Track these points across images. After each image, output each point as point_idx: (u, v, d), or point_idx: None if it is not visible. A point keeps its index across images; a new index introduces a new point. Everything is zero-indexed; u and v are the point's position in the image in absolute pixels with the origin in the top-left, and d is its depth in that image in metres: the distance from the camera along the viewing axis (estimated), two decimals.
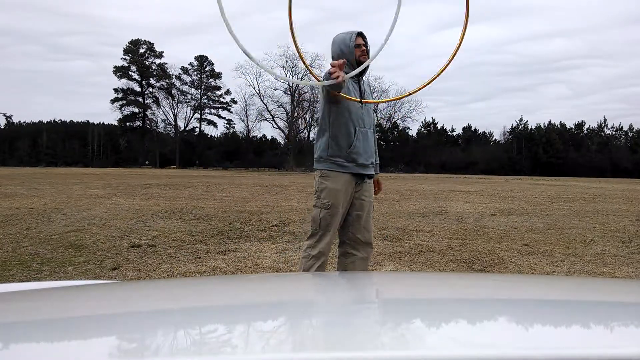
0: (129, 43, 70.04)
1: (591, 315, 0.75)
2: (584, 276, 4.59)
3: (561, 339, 0.64)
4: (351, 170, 2.96)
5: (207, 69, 71.75)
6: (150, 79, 70.44)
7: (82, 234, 6.39)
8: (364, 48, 2.99)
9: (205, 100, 72.32)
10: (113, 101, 70.71)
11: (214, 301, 0.89)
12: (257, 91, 58.66)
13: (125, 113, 71.09)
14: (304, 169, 47.37)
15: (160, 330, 0.68)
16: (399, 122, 64.43)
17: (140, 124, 71.94)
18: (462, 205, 11.65)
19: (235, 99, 69.56)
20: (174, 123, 70.98)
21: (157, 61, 70.88)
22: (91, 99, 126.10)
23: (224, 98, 72.32)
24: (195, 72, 71.67)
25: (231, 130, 73.27)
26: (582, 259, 5.35)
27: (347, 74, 2.77)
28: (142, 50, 70.30)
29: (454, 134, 71.01)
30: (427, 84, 2.97)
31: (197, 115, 72.02)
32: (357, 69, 2.86)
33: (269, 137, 72.29)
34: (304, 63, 3.39)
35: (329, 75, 2.67)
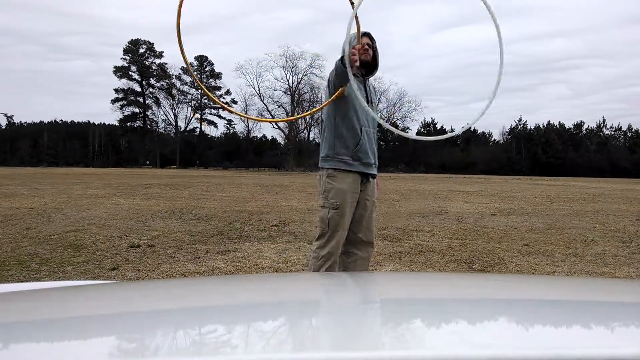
0: (128, 43, 70.05)
1: (591, 315, 0.75)
2: (584, 276, 4.59)
3: (561, 339, 0.63)
4: (357, 169, 2.97)
5: (207, 69, 71.80)
6: (151, 79, 70.47)
7: (81, 234, 6.39)
8: (367, 47, 2.98)
9: (206, 101, 72.32)
10: (113, 101, 70.76)
11: (214, 301, 0.89)
12: (257, 91, 58.62)
13: (126, 113, 71.13)
14: (304, 169, 47.39)
15: (160, 330, 0.67)
16: (398, 122, 64.37)
17: (141, 124, 71.98)
18: (462, 205, 11.65)
19: (236, 99, 69.56)
20: (174, 123, 71.01)
21: (157, 61, 70.93)
22: (92, 99, 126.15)
23: (224, 98, 72.27)
24: (196, 72, 71.68)
25: (231, 130, 73.33)
26: (583, 259, 5.34)
27: (356, 76, 2.81)
28: (142, 50, 70.33)
29: (454, 134, 70.99)
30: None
31: (197, 115, 72.02)
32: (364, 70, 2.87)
33: (269, 137, 72.36)
34: (189, 69, 3.35)
35: (337, 65, 2.68)
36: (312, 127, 55.65)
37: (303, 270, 4.66)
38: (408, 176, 39.45)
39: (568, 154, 61.77)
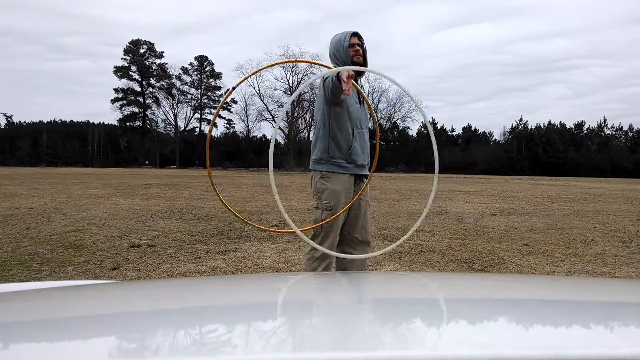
0: (129, 43, 70.08)
1: (591, 315, 0.75)
2: (584, 276, 4.59)
3: (561, 339, 0.64)
4: (351, 171, 2.97)
5: (207, 69, 71.82)
6: (151, 79, 70.50)
7: (81, 234, 6.39)
8: (358, 48, 2.96)
9: (206, 100, 72.36)
10: (113, 101, 70.78)
11: (214, 301, 0.89)
12: (257, 91, 58.74)
13: (126, 113, 71.15)
14: (304, 169, 47.36)
15: (160, 330, 0.68)
16: (399, 122, 64.41)
17: (141, 124, 71.98)
18: (463, 205, 11.64)
19: (236, 99, 69.56)
20: (174, 123, 71.03)
21: (158, 61, 70.96)
22: (91, 99, 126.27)
23: (224, 98, 72.26)
24: (196, 72, 71.71)
25: (231, 130, 73.32)
26: (583, 259, 5.34)
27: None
28: (142, 51, 70.36)
29: (454, 134, 71.02)
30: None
31: (197, 115, 72.08)
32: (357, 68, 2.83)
33: (269, 137, 72.31)
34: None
35: (334, 81, 2.62)
36: (312, 127, 55.67)
37: (303, 270, 4.66)
38: (408, 176, 39.44)
39: (569, 153, 61.77)
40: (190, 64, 71.75)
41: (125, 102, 70.72)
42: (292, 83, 53.94)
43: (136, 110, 71.44)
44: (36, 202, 10.34)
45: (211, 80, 72.38)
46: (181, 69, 70.44)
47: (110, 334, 0.66)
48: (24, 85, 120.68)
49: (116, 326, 0.70)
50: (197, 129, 73.46)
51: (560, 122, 67.97)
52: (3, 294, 1.05)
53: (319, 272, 2.85)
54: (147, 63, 70.29)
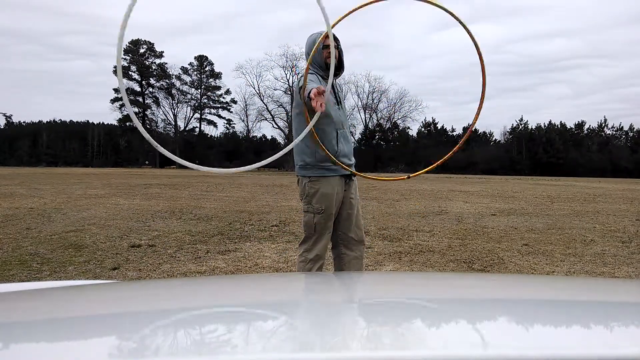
0: (129, 43, 70.06)
1: (591, 315, 0.75)
2: (583, 276, 4.60)
3: (561, 339, 0.64)
4: (339, 173, 2.95)
5: (207, 68, 71.83)
6: (150, 79, 70.52)
7: (82, 234, 6.39)
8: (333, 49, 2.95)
9: (205, 100, 72.38)
10: (113, 101, 70.79)
11: (214, 301, 0.89)
12: (257, 91, 58.59)
13: (125, 113, 71.11)
14: None
15: (160, 330, 0.68)
16: (399, 122, 64.41)
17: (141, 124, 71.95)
18: (462, 205, 11.64)
19: (235, 99, 69.62)
20: (173, 123, 71.05)
21: (157, 61, 70.98)
22: (91, 99, 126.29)
23: (224, 98, 72.37)
24: (195, 72, 71.74)
25: (231, 130, 73.34)
26: (582, 259, 5.34)
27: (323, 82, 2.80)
28: (142, 50, 70.38)
29: (454, 134, 71.03)
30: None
31: (197, 115, 72.10)
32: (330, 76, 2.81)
33: (269, 137, 72.30)
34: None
35: (307, 100, 2.58)
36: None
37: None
38: None
39: (569, 153, 61.74)
40: (190, 63, 71.78)
41: None
42: (292, 83, 53.86)
43: (136, 110, 71.44)
44: (36, 202, 10.34)
45: (211, 80, 72.39)
46: (181, 68, 70.49)
47: (110, 334, 0.66)
48: (24, 85, 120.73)
49: (116, 326, 0.70)
50: (197, 129, 73.49)
51: (561, 122, 67.96)
52: (3, 294, 1.05)
53: (316, 272, 2.85)
54: (147, 63, 70.32)
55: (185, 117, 72.09)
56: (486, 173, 54.08)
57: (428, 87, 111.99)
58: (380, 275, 2.17)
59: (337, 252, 3.10)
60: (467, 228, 7.55)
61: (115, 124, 73.25)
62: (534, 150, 63.28)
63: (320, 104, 2.43)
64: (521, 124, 68.37)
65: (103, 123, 79.52)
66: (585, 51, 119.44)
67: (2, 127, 79.01)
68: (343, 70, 3.07)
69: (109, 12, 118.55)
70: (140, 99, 70.82)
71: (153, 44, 70.98)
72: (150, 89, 71.00)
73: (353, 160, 3.07)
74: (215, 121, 73.77)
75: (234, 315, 0.76)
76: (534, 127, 67.63)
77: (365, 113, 62.92)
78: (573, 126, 67.90)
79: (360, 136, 62.27)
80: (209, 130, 74.75)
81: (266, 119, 58.93)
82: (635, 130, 65.56)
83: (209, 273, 4.51)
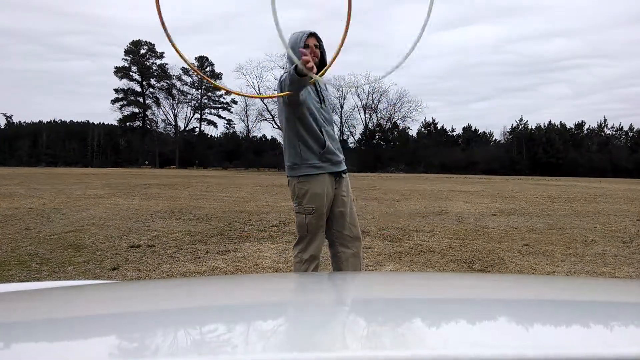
0: (130, 44, 70.20)
1: (591, 315, 0.75)
2: (584, 276, 4.59)
3: (561, 339, 0.64)
4: (328, 170, 2.94)
5: (207, 69, 71.83)
6: (151, 79, 70.56)
7: (81, 234, 6.39)
8: (315, 50, 2.86)
9: (206, 101, 72.41)
10: (113, 101, 70.88)
11: (214, 301, 0.89)
12: (257, 92, 58.59)
13: (126, 113, 71.23)
14: None
15: (160, 330, 0.68)
16: (399, 122, 64.44)
17: (140, 124, 72.03)
18: (463, 205, 11.64)
19: (236, 99, 69.66)
20: (174, 123, 71.07)
21: (158, 62, 71.01)
22: (91, 99, 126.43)
23: (224, 98, 72.42)
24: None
25: (231, 131, 73.37)
26: (583, 259, 5.34)
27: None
28: (143, 51, 70.42)
29: (454, 134, 71.04)
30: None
31: (197, 115, 72.12)
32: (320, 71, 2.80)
33: (269, 137, 72.35)
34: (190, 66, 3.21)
35: (292, 72, 2.58)
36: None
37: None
38: (408, 176, 39.45)
39: (569, 153, 61.76)
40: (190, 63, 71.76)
41: (125, 102, 70.80)
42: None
43: (136, 110, 71.51)
44: (36, 202, 10.34)
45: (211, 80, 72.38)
46: (181, 69, 70.51)
47: (110, 334, 0.66)
48: (24, 85, 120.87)
49: (116, 326, 0.70)
50: (197, 129, 73.53)
51: (561, 122, 67.96)
52: (3, 294, 1.05)
53: (314, 273, 2.85)
54: (148, 63, 70.36)
55: (186, 118, 72.17)
56: (486, 173, 54.05)
57: (428, 87, 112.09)
58: (380, 275, 2.17)
59: (333, 251, 3.10)
60: (468, 228, 7.55)
61: (115, 124, 73.29)
62: (533, 150, 63.29)
63: (311, 62, 2.46)
64: (521, 124, 68.38)
65: (103, 123, 79.64)
66: (585, 51, 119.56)
67: (2, 127, 79.05)
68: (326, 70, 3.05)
69: (109, 12, 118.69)
70: (141, 100, 70.83)
71: (154, 44, 71.04)
72: (151, 90, 71.04)
73: (342, 157, 3.05)
74: (215, 121, 73.94)
75: (234, 315, 0.76)
76: (533, 127, 67.64)
77: (365, 113, 62.95)
78: (573, 126, 67.91)
79: (360, 136, 62.32)
80: (209, 130, 74.92)
81: (266, 119, 58.96)
82: (635, 130, 65.57)
83: (209, 273, 4.51)
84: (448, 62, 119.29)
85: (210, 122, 73.98)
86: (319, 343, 0.60)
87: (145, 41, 70.64)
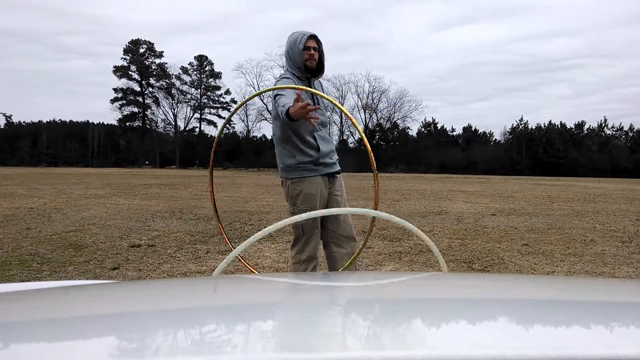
0: (129, 43, 70.18)
1: (591, 315, 0.75)
2: (584, 276, 4.60)
3: (561, 339, 0.64)
4: (321, 172, 2.95)
5: (206, 68, 71.89)
6: (150, 78, 70.55)
7: (82, 234, 6.39)
8: (313, 52, 2.87)
9: (205, 100, 72.39)
10: (113, 101, 70.84)
11: (214, 301, 0.89)
12: (257, 91, 58.55)
13: (125, 113, 71.24)
14: None
15: (160, 330, 0.68)
16: (399, 122, 64.50)
17: (140, 124, 72.05)
18: (462, 205, 11.64)
19: (235, 99, 69.63)
20: (173, 123, 71.07)
21: (157, 61, 71.01)
22: (91, 99, 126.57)
23: (223, 98, 72.47)
24: (195, 72, 71.76)
25: (231, 130, 73.36)
26: (582, 259, 5.34)
27: (299, 83, 2.82)
28: (142, 50, 70.40)
29: (454, 134, 71.04)
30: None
31: (196, 115, 72.11)
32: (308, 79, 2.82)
33: (269, 137, 72.32)
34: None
35: (284, 117, 2.61)
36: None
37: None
38: (408, 176, 39.45)
39: (569, 153, 61.78)
40: (190, 63, 71.84)
41: (124, 102, 70.81)
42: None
43: (136, 110, 71.52)
44: (36, 202, 10.34)
45: (211, 80, 72.43)
46: (180, 68, 70.57)
47: (110, 334, 0.66)
48: (24, 85, 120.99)
49: (116, 326, 0.70)
50: (197, 129, 73.52)
51: (561, 122, 68.03)
52: (3, 294, 1.05)
53: (313, 273, 2.85)
54: (147, 63, 70.35)
55: (185, 117, 72.18)
56: (486, 173, 54.07)
57: (428, 87, 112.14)
58: (379, 275, 2.18)
59: (328, 251, 3.10)
60: (467, 228, 7.55)
61: (115, 124, 73.31)
62: (533, 151, 63.32)
63: (311, 118, 2.48)
64: (521, 124, 68.41)
65: (103, 123, 79.73)
66: (585, 51, 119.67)
67: (2, 127, 79.07)
68: (322, 73, 3.04)
69: (109, 12, 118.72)
70: (140, 99, 70.82)
71: (153, 43, 71.05)
72: (150, 89, 71.03)
73: (335, 159, 3.06)
74: (215, 121, 73.86)
75: (234, 315, 0.76)
76: (534, 127, 67.66)
77: (365, 113, 62.95)
78: (573, 126, 67.96)
79: (360, 136, 62.22)
80: (209, 130, 74.82)
81: (266, 119, 58.99)
82: (635, 130, 65.62)
83: (209, 273, 4.52)
84: (448, 62, 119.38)
85: (210, 122, 73.99)
86: (318, 343, 0.60)
87: (144, 40, 70.67)
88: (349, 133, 61.66)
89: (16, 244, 5.61)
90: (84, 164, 66.50)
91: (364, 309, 0.82)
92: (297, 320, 0.72)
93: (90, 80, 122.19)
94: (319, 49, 2.93)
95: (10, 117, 79.91)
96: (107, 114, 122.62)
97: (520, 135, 66.17)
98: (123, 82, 70.26)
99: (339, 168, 3.11)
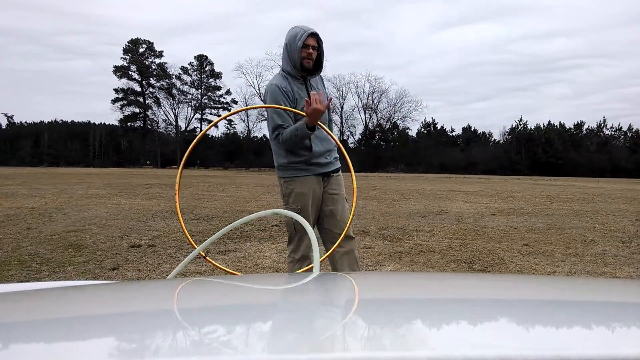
0: (128, 42, 70.19)
1: (591, 315, 0.75)
2: (584, 276, 4.59)
3: (561, 339, 0.63)
4: (315, 172, 2.94)
5: (207, 68, 71.89)
6: (151, 78, 70.57)
7: (82, 234, 6.39)
8: (311, 51, 2.82)
9: (206, 101, 72.41)
10: (114, 101, 70.89)
11: (214, 301, 0.89)
12: (258, 91, 58.58)
13: (126, 113, 71.28)
14: None
15: (160, 330, 0.68)
16: (399, 122, 64.48)
17: (142, 124, 72.07)
18: (462, 205, 11.64)
19: (236, 99, 69.66)
20: (174, 123, 71.10)
21: (157, 61, 71.01)
22: (92, 99, 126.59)
23: (224, 98, 72.47)
24: (195, 72, 71.78)
25: (232, 131, 73.38)
26: (583, 259, 5.34)
27: (294, 81, 2.83)
28: (141, 50, 70.40)
29: (454, 134, 71.04)
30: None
31: (197, 115, 72.12)
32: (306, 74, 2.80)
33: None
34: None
35: (303, 129, 2.67)
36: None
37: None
38: (408, 176, 39.45)
39: (568, 154, 61.76)
40: (190, 63, 71.87)
41: (125, 102, 70.83)
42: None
43: (137, 110, 71.55)
44: (37, 202, 10.34)
45: (211, 80, 72.43)
46: (181, 68, 70.59)
47: (110, 334, 0.66)
48: (25, 85, 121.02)
49: (116, 326, 0.70)
50: (198, 129, 73.52)
51: (560, 122, 67.97)
52: (3, 294, 1.05)
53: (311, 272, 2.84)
54: (147, 62, 70.36)
55: (186, 118, 72.19)
56: (485, 173, 54.06)
57: (428, 87, 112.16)
58: (379, 275, 2.17)
59: (325, 250, 3.09)
60: (467, 228, 7.55)
61: (116, 124, 73.35)
62: (533, 151, 63.30)
63: (325, 105, 2.50)
64: (520, 124, 68.39)
65: (104, 123, 79.74)
66: (585, 51, 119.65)
67: (4, 127, 79.10)
68: (320, 71, 3.00)
69: (108, 12, 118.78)
70: (141, 99, 70.84)
71: (153, 43, 71.05)
72: (151, 89, 71.04)
73: (332, 157, 3.01)
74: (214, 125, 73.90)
75: (234, 315, 0.76)
76: (533, 127, 67.66)
77: (365, 113, 62.96)
78: (572, 126, 67.96)
79: (360, 136, 62.29)
80: (209, 130, 74.87)
81: (266, 119, 58.90)
82: (634, 130, 65.59)
83: (209, 273, 4.52)
84: (448, 62, 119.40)
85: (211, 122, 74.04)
86: (318, 343, 0.60)
87: (144, 40, 70.66)
88: (349, 133, 61.72)
89: (16, 244, 5.61)
90: (86, 164, 66.52)
91: (364, 309, 0.82)
92: (296, 321, 0.72)
93: (90, 80, 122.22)
94: (319, 47, 2.88)
95: (11, 117, 80.00)
96: (108, 114, 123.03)
97: (520, 135, 66.15)
98: (123, 82, 70.32)
99: (338, 166, 3.07)
